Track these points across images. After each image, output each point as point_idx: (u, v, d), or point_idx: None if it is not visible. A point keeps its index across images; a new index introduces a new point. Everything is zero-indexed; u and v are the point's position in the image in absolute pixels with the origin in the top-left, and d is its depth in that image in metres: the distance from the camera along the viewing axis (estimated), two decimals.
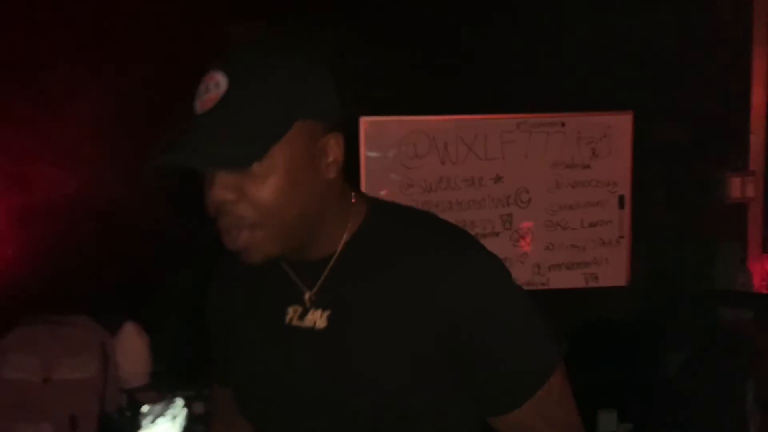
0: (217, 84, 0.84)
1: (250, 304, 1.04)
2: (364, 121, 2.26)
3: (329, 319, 0.94)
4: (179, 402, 2.11)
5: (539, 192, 2.40)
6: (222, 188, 0.84)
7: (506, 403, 0.92)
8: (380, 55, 2.21)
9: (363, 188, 2.22)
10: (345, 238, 0.93)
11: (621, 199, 2.40)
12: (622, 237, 2.44)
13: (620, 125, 2.39)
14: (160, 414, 2.02)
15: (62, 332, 1.92)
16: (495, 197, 2.39)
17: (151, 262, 2.20)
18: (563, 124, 2.39)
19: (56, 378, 1.87)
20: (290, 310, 0.98)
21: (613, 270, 2.45)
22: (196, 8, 2.19)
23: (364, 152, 2.27)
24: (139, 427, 1.95)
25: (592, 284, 2.44)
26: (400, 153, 2.30)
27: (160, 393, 2.07)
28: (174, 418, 2.03)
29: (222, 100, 0.83)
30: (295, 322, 0.97)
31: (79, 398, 1.86)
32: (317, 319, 0.96)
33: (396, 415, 0.93)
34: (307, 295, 0.96)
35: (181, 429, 2.03)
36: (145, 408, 2.08)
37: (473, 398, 0.93)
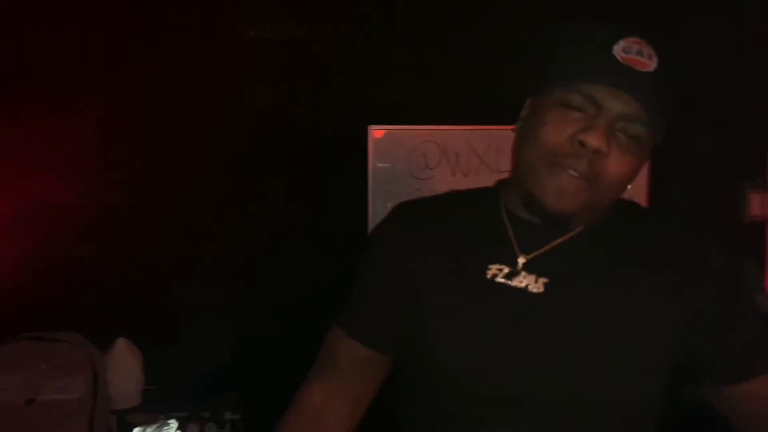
0: (650, 55, 0.93)
1: (449, 267, 1.01)
2: (373, 130, 2.18)
3: (547, 286, 0.96)
4: (173, 424, 2.02)
5: None
6: (608, 141, 0.90)
7: (751, 369, 0.98)
8: (391, 63, 2.13)
9: (370, 199, 2.16)
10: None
11: None
12: None
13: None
14: None
15: (49, 350, 1.83)
16: None
17: (146, 275, 2.09)
18: None
19: (41, 399, 1.77)
20: (493, 267, 0.99)
21: None
22: (202, 12, 2.10)
23: (372, 162, 2.18)
24: None
25: None
26: (410, 164, 2.20)
27: (153, 414, 1.97)
28: None
29: (656, 73, 0.92)
30: (499, 280, 0.98)
31: (66, 421, 1.76)
32: (531, 282, 0.97)
33: (622, 407, 0.95)
34: (521, 259, 0.99)
35: None
36: (136, 431, 2.00)
37: (702, 373, 1.00)
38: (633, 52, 0.92)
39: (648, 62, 0.92)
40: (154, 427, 1.94)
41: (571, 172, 0.91)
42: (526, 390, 0.93)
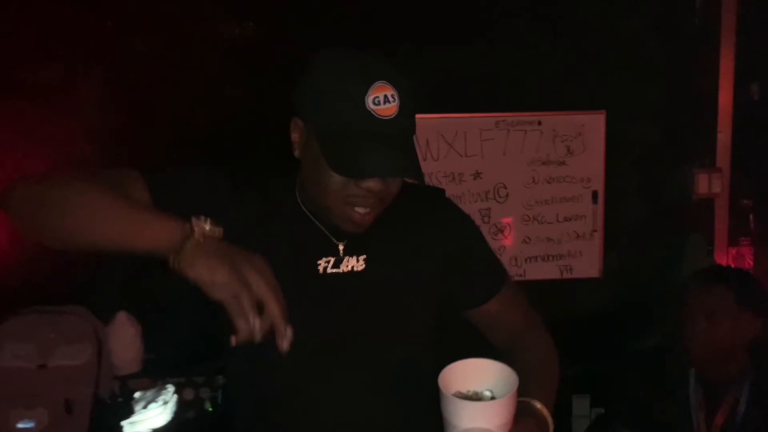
0: (393, 96, 1.03)
1: (279, 255, 1.04)
2: None
3: (366, 261, 1.16)
4: (170, 388, 2.17)
5: (516, 187, 2.45)
6: (393, 186, 1.08)
7: (482, 296, 1.26)
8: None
9: None
10: None
11: (594, 194, 2.46)
12: (595, 231, 2.49)
13: (594, 124, 2.44)
14: (152, 400, 2.09)
15: (57, 321, 1.98)
16: (474, 192, 2.44)
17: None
18: (539, 123, 2.43)
19: (51, 365, 1.92)
20: (321, 262, 1.14)
21: (587, 262, 2.50)
22: (189, 8, 2.22)
23: None
24: (131, 412, 2.02)
25: (566, 276, 2.49)
26: None
27: (152, 380, 2.14)
28: (165, 403, 2.09)
29: (398, 115, 1.03)
30: (330, 271, 1.14)
31: (73, 384, 1.91)
32: (354, 263, 1.16)
33: (416, 339, 1.19)
34: (341, 246, 1.15)
35: (172, 414, 2.10)
36: (137, 394, 2.16)
37: (452, 300, 1.25)
38: (381, 103, 1.03)
39: (393, 107, 1.03)
40: (153, 391, 2.13)
41: (360, 209, 1.06)
42: (339, 343, 1.13)
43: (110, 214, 0.98)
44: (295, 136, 1.11)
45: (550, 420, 1.10)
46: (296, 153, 1.12)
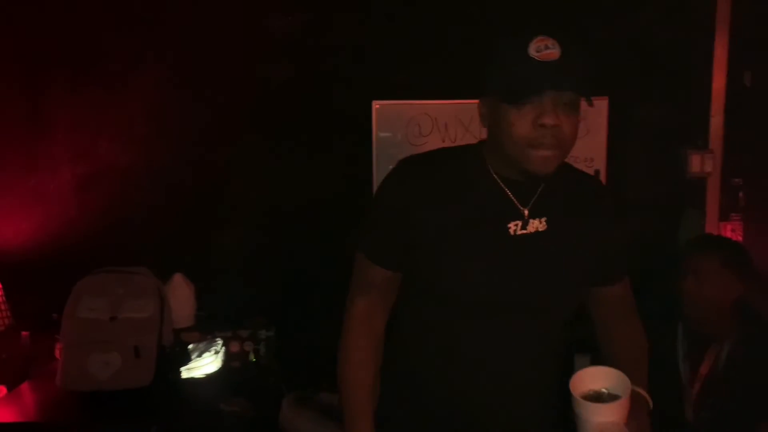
0: (553, 44, 1.17)
1: (463, 215, 1.27)
2: (376, 104, 2.52)
3: (547, 222, 1.30)
4: (219, 341, 2.42)
5: None
6: (556, 117, 1.17)
7: (615, 277, 1.42)
8: (392, 45, 2.46)
9: (374, 163, 2.52)
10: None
11: (597, 172, 2.62)
12: None
13: (597, 109, 2.58)
14: (205, 350, 2.35)
15: (125, 280, 2.25)
16: None
17: (195, 222, 2.48)
18: None
19: (121, 317, 2.19)
20: (511, 225, 1.28)
21: None
22: (239, 4, 2.45)
23: (375, 132, 2.52)
24: (189, 359, 2.29)
25: None
26: (407, 132, 2.54)
27: (202, 334, 2.40)
28: (216, 353, 2.35)
29: (563, 56, 1.16)
30: (519, 233, 1.29)
31: (141, 333, 2.17)
32: (538, 225, 1.30)
33: (578, 292, 1.36)
34: (526, 211, 1.29)
35: (221, 363, 2.35)
36: (190, 345, 2.43)
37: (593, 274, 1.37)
38: (541, 49, 1.18)
39: (554, 52, 1.17)
40: (204, 343, 2.39)
41: (544, 147, 1.19)
42: (527, 297, 1.28)
43: (343, 391, 1.37)
44: (483, 112, 1.29)
45: (649, 400, 1.30)
46: (485, 124, 1.30)
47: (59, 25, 2.43)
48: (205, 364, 2.30)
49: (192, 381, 2.25)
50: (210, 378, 2.28)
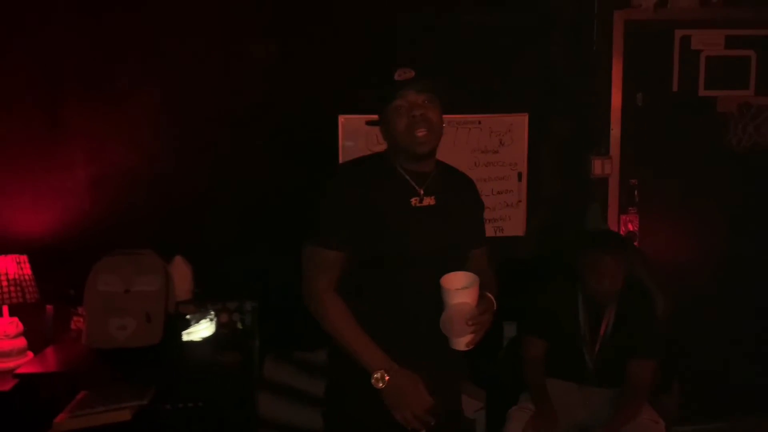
0: (409, 71, 1.74)
1: (384, 197, 1.76)
2: (341, 118, 2.89)
3: (435, 200, 1.82)
4: (212, 313, 2.75)
5: (463, 169, 2.71)
6: (420, 107, 1.72)
7: (479, 242, 1.96)
8: (354, 70, 2.82)
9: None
10: (435, 163, 1.86)
11: (519, 174, 3.06)
12: (520, 201, 3.06)
13: (520, 123, 3.02)
14: (201, 318, 2.74)
15: (135, 260, 2.59)
16: None
17: (191, 213, 2.81)
18: (480, 122, 2.99)
19: (133, 290, 2.53)
20: (413, 200, 1.79)
21: (514, 224, 3.07)
22: (223, 28, 2.79)
23: (341, 141, 2.90)
24: (188, 325, 2.67)
25: (499, 234, 3.05)
26: (367, 141, 2.88)
27: (196, 306, 2.74)
28: (210, 320, 2.74)
29: (416, 75, 1.73)
30: (417, 205, 1.79)
31: (150, 302, 2.52)
32: (430, 201, 1.81)
33: (463, 248, 1.89)
34: (421, 191, 1.80)
35: (214, 329, 2.71)
36: (188, 317, 2.81)
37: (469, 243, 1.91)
38: (402, 74, 1.73)
39: (410, 74, 1.73)
40: (199, 313, 2.80)
41: (418, 128, 1.72)
42: (428, 249, 1.76)
43: (346, 343, 1.77)
44: (382, 131, 1.83)
45: (494, 302, 1.82)
46: (386, 138, 1.82)
47: (75, 48, 2.76)
48: (201, 329, 2.69)
49: (192, 342, 2.64)
50: (206, 340, 2.67)
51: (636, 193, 3.23)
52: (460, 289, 1.72)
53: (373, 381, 1.71)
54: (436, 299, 1.74)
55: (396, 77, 1.73)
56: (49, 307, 2.72)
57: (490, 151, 3.05)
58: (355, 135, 2.93)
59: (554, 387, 2.56)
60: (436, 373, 1.78)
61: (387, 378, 1.70)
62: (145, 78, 2.83)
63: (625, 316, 2.53)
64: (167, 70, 2.84)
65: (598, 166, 3.11)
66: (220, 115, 2.87)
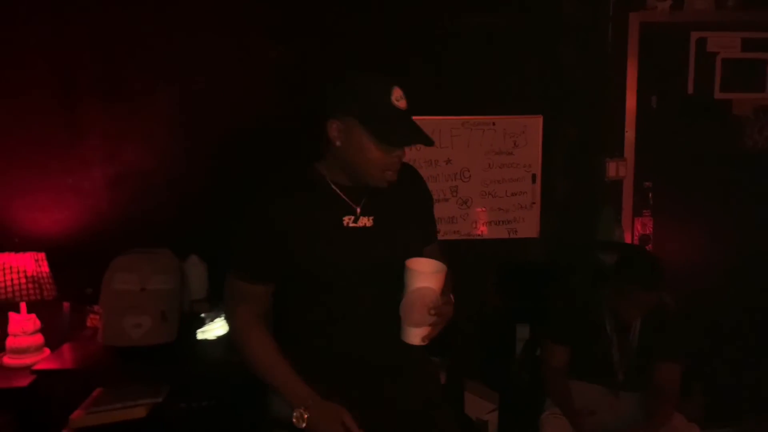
0: (403, 96, 1.48)
1: (309, 217, 1.51)
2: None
3: (374, 220, 1.58)
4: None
5: (477, 171, 3.00)
6: (403, 155, 1.52)
7: (430, 239, 1.74)
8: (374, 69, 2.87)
9: None
10: None
11: (534, 176, 3.06)
12: (534, 203, 3.05)
13: (534, 125, 3.02)
14: (216, 316, 2.74)
15: (151, 258, 2.60)
16: (446, 174, 2.99)
17: (206, 213, 2.82)
18: (494, 124, 2.99)
19: (149, 288, 2.53)
20: (345, 218, 1.56)
21: (528, 226, 3.06)
22: (238, 30, 2.81)
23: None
24: (203, 323, 2.68)
25: (513, 236, 3.05)
26: None
27: (211, 304, 2.77)
28: (224, 320, 2.78)
29: (408, 107, 1.48)
30: (351, 225, 1.56)
31: (166, 301, 2.53)
32: (366, 221, 1.58)
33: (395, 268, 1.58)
34: (358, 209, 1.57)
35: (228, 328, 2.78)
36: (203, 315, 2.83)
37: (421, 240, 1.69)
38: (400, 99, 1.45)
39: (405, 102, 1.47)
40: (214, 311, 2.81)
41: (393, 172, 1.51)
42: (365, 268, 1.54)
43: (267, 375, 1.59)
44: (333, 132, 1.49)
45: (452, 299, 1.63)
46: (337, 143, 1.49)
47: (93, 52, 2.79)
48: (216, 328, 2.70)
49: (206, 341, 2.65)
50: (220, 339, 2.66)
51: (650, 195, 3.22)
52: (427, 272, 1.53)
53: (294, 421, 1.53)
54: (379, 326, 1.57)
55: (393, 101, 1.46)
56: (65, 304, 2.75)
57: (504, 152, 3.06)
58: None
59: (581, 391, 2.52)
60: (388, 401, 1.62)
61: (306, 416, 1.52)
62: (162, 79, 2.85)
63: (648, 325, 2.51)
64: (183, 71, 2.86)
65: (612, 169, 3.11)
66: (235, 116, 2.89)
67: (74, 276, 2.74)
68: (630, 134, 3.15)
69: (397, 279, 1.53)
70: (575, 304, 2.54)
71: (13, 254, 2.65)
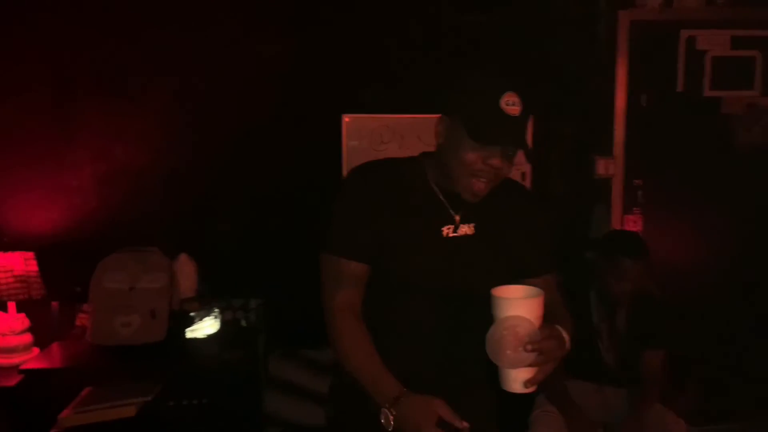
0: (517, 102, 1.33)
1: (407, 221, 1.41)
2: (346, 118, 2.90)
3: (475, 228, 1.47)
4: (216, 310, 2.77)
5: None
6: (502, 162, 1.36)
7: (537, 270, 1.50)
8: (359, 70, 2.86)
9: (344, 165, 2.88)
10: None
11: (523, 174, 3.07)
12: None
13: None
14: (206, 315, 2.76)
15: (141, 257, 2.62)
16: None
17: (197, 212, 2.82)
18: None
19: (138, 287, 2.56)
20: (444, 229, 1.45)
21: None
22: (238, 33, 2.81)
23: (345, 141, 2.91)
24: (192, 322, 2.69)
25: None
26: (371, 141, 2.91)
27: (201, 303, 2.75)
28: (215, 318, 2.75)
29: (521, 114, 1.34)
30: (450, 235, 1.46)
31: (155, 300, 2.55)
32: (467, 230, 1.47)
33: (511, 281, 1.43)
34: (457, 217, 1.46)
35: (219, 326, 2.72)
36: (192, 314, 2.83)
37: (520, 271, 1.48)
38: (510, 104, 1.32)
39: (518, 108, 1.33)
40: (204, 310, 2.82)
41: (481, 180, 1.37)
42: (454, 286, 1.43)
43: (355, 368, 1.41)
44: (440, 128, 1.43)
45: (568, 339, 1.34)
46: (440, 140, 1.43)
47: (85, 46, 2.78)
48: (206, 326, 2.71)
49: (196, 340, 2.66)
50: (210, 338, 2.68)
51: (640, 193, 3.23)
52: (517, 298, 1.29)
53: (382, 422, 1.34)
54: (448, 348, 1.47)
55: (503, 105, 1.34)
56: (54, 303, 2.75)
57: None
58: (360, 134, 2.95)
59: (572, 388, 2.56)
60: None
61: (392, 417, 1.32)
62: (154, 77, 2.85)
63: (636, 312, 2.57)
64: (175, 69, 2.86)
65: (602, 167, 3.12)
66: (226, 114, 2.89)
67: (63, 275, 2.74)
68: (620, 132, 3.16)
69: (486, 298, 1.34)
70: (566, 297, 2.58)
71: (1, 253, 2.65)
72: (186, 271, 2.78)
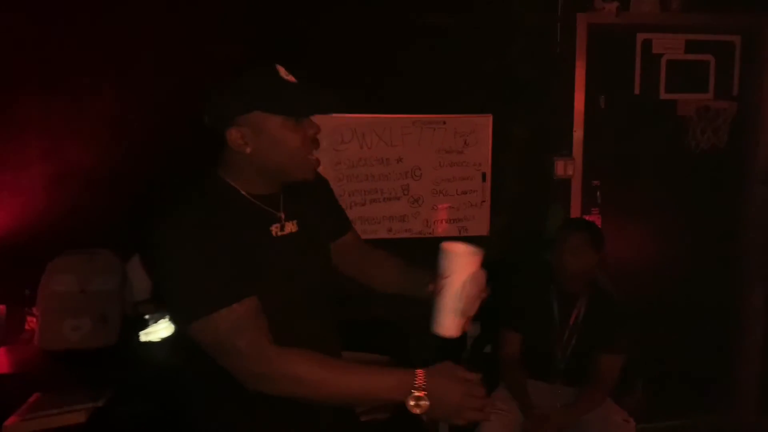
0: (288, 71, 1.37)
1: (241, 235, 1.35)
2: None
3: (298, 224, 1.48)
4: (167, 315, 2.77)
5: (428, 169, 3.02)
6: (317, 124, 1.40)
7: (345, 227, 1.68)
8: (318, 71, 2.79)
9: None
10: None
11: (483, 175, 3.08)
12: (484, 201, 3.08)
13: (484, 123, 3.05)
14: (160, 318, 2.70)
15: (92, 259, 2.58)
16: (397, 172, 3.01)
17: (148, 213, 2.74)
18: (444, 122, 3.01)
19: (89, 290, 2.52)
20: (273, 228, 1.43)
21: (478, 224, 3.09)
22: (188, 32, 2.76)
23: None
24: (146, 325, 2.62)
25: (464, 234, 3.06)
26: (332, 140, 2.89)
27: (156, 305, 2.68)
28: (169, 321, 2.70)
29: (300, 79, 1.37)
30: (280, 234, 1.44)
31: (106, 303, 2.51)
32: (291, 227, 1.47)
33: (330, 264, 1.60)
34: (282, 215, 1.45)
35: (173, 330, 2.62)
36: (147, 315, 2.77)
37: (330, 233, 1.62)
38: (287, 74, 1.36)
39: (291, 76, 1.37)
40: (159, 313, 2.75)
41: (313, 157, 1.42)
42: (309, 279, 1.46)
43: (345, 388, 1.28)
44: (239, 140, 1.34)
45: None
46: (247, 150, 1.35)
47: (32, 41, 2.71)
48: (160, 329, 2.64)
49: (149, 343, 2.59)
50: (165, 341, 2.60)
51: (598, 194, 3.27)
52: (471, 254, 1.36)
53: (417, 412, 1.25)
54: (328, 336, 1.50)
55: (283, 75, 1.36)
56: (2, 307, 2.67)
57: (454, 151, 3.07)
58: (319, 134, 2.91)
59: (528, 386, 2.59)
60: None
61: (423, 402, 1.25)
62: (104, 76, 2.79)
63: (593, 313, 2.58)
64: (125, 68, 2.80)
65: (560, 168, 3.15)
66: (179, 113, 2.76)
67: (12, 278, 2.66)
68: (578, 133, 3.20)
69: (328, 283, 1.49)
70: (525, 292, 2.64)
71: None
72: (140, 273, 2.72)
